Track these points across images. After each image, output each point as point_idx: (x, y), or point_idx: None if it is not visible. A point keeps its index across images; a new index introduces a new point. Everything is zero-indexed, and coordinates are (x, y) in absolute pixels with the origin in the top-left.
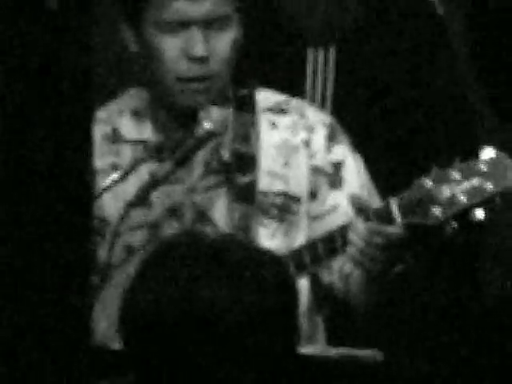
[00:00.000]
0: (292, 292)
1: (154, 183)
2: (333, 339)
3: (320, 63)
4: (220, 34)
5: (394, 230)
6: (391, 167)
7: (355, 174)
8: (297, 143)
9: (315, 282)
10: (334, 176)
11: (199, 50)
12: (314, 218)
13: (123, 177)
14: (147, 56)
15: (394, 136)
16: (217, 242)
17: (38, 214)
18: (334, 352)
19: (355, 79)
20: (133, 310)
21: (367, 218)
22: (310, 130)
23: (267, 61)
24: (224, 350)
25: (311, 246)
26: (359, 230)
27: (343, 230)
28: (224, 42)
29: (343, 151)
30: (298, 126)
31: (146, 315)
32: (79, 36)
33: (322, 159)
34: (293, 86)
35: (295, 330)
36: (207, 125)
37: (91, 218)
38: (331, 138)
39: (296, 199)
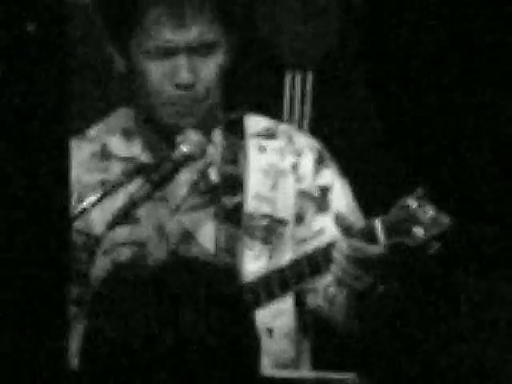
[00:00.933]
0: (242, 308)
1: (132, 204)
2: (319, 363)
3: (298, 87)
4: (206, 60)
5: (377, 249)
6: (371, 190)
7: (342, 199)
8: (284, 167)
9: (300, 306)
10: (320, 200)
11: (185, 77)
12: (300, 242)
13: (107, 194)
14: (134, 79)
15: (373, 159)
16: (162, 268)
17: (16, 238)
18: (309, 375)
19: (332, 103)
20: (92, 341)
21: (351, 237)
22: (298, 154)
23: (246, 84)
24: (184, 377)
25: (295, 264)
26: (343, 249)
27: (327, 248)
28: (210, 68)
29: (331, 176)
30: (286, 150)
31: (104, 346)
32: (58, 58)
33: (310, 183)
34: (270, 109)
35: (254, 352)
36: (184, 148)
37: (69, 242)
38: (319, 163)
39: (282, 222)
